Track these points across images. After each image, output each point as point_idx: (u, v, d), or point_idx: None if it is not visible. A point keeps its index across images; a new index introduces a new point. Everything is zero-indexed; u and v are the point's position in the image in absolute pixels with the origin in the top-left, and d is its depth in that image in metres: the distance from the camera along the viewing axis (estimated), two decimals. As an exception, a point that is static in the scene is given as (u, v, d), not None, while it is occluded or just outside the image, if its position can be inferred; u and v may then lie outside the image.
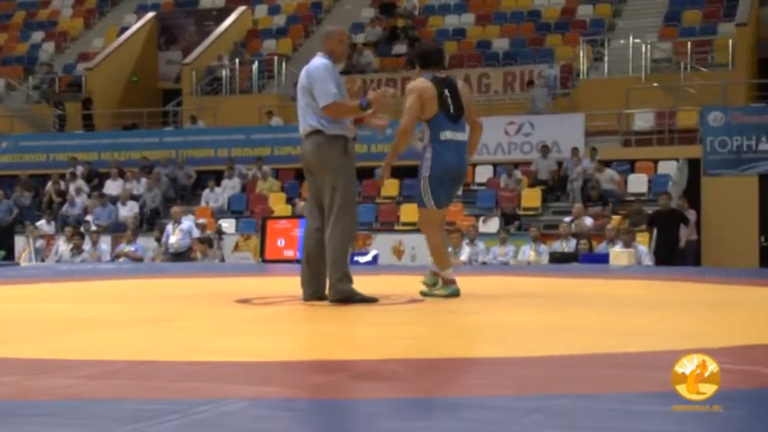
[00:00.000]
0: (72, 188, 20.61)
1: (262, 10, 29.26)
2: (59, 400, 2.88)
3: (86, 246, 16.08)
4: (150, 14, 29.42)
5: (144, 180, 20.55)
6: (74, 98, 26.71)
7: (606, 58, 22.31)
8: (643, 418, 2.62)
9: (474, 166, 19.73)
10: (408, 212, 18.41)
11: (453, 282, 6.40)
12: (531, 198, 18.28)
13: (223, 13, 28.54)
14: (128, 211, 19.18)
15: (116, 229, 18.24)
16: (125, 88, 27.59)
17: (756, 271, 13.15)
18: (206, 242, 15.62)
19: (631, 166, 18.71)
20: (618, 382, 3.18)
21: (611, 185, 17.61)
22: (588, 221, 15.59)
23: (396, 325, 5.11)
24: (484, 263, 13.98)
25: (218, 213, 19.26)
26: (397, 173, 19.92)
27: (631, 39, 21.63)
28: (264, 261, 14.30)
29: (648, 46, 21.45)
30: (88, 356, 3.81)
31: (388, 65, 24.59)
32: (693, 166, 18.19)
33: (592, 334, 4.57)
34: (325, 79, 5.89)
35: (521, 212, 17.73)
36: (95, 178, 21.58)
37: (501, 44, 24.30)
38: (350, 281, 5.93)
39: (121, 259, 15.76)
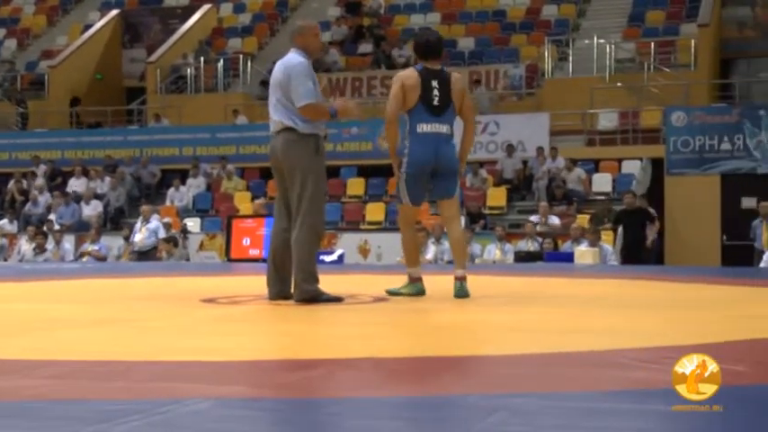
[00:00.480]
0: (34, 187, 20.42)
1: (227, 8, 29.14)
2: (22, 400, 2.86)
3: (49, 245, 15.95)
4: (114, 12, 29.21)
5: (108, 179, 20.40)
6: (36, 96, 26.47)
7: (571, 58, 22.45)
8: (608, 416, 2.63)
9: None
10: (374, 212, 18.43)
11: (419, 280, 6.36)
12: (497, 197, 18.35)
13: (188, 12, 28.39)
14: (91, 210, 19.03)
15: (79, 229, 18.09)
16: (89, 86, 27.37)
17: (719, 269, 13.29)
18: (171, 241, 15.54)
19: (595, 166, 18.83)
20: (582, 381, 3.19)
21: (577, 185, 17.72)
22: (556, 221, 15.68)
23: (361, 324, 5.11)
24: (449, 262, 14.00)
25: (183, 212, 19.16)
26: (364, 172, 20.01)
27: (595, 39, 21.78)
28: (230, 260, 14.24)
29: (612, 46, 21.61)
30: (51, 357, 3.78)
31: (354, 64, 24.58)
32: (657, 165, 18.35)
33: (555, 332, 4.60)
34: (304, 78, 5.85)
35: (486, 211, 17.79)
36: (58, 177, 21.40)
37: (466, 44, 24.37)
38: (316, 281, 5.91)
39: (85, 259, 15.65)
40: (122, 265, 13.97)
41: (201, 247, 17.18)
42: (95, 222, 17.76)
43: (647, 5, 23.91)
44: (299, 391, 3.06)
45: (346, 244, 16.36)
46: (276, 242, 6.09)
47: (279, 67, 5.99)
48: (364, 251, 16.62)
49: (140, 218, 16.20)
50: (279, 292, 6.04)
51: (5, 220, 18.76)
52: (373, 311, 5.75)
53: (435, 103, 6.21)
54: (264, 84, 23.79)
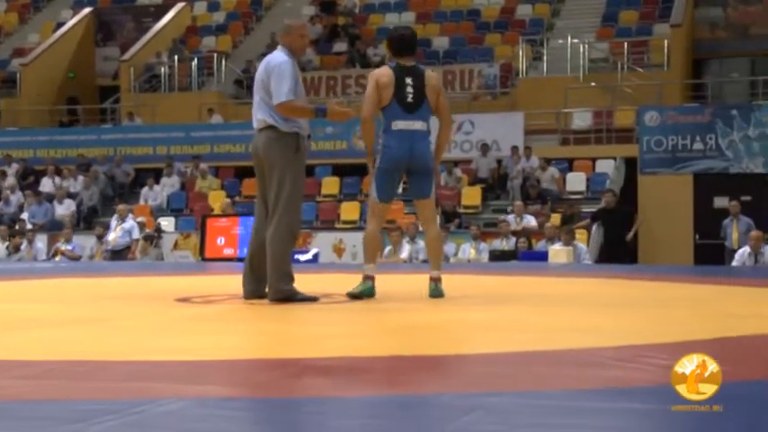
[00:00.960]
0: (6, 186, 20.26)
1: (201, 6, 29.04)
2: (-5, 401, 2.83)
3: (22, 245, 15.83)
4: (87, 10, 29.02)
5: (81, 178, 20.27)
6: (8, 94, 26.27)
7: (545, 58, 22.52)
8: (584, 414, 2.64)
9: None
10: (349, 211, 18.43)
11: (371, 278, 6.21)
12: (472, 196, 18.39)
13: (161, 10, 28.26)
14: (64, 209, 18.91)
15: (52, 228, 17.97)
16: (61, 84, 27.19)
17: (691, 268, 13.38)
18: (150, 240, 15.50)
19: (569, 165, 18.90)
20: (558, 380, 3.20)
21: (551, 184, 17.78)
22: (532, 220, 15.72)
23: (336, 323, 5.11)
24: (425, 261, 14.01)
25: (158, 212, 19.08)
26: (339, 171, 19.99)
27: (569, 39, 21.87)
28: (204, 260, 14.19)
29: (586, 46, 21.70)
30: (25, 357, 3.75)
31: (329, 63, 24.56)
32: (630, 164, 18.44)
33: (531, 331, 4.61)
34: (283, 76, 5.83)
35: (461, 210, 17.82)
36: (31, 176, 21.24)
37: (441, 43, 24.41)
38: (291, 280, 5.90)
39: (58, 258, 15.54)
40: (96, 265, 13.89)
41: (176, 246, 17.12)
42: (68, 222, 17.65)
43: (620, 6, 24.03)
44: (274, 391, 3.06)
45: (321, 243, 16.35)
46: (254, 241, 6.09)
47: (262, 66, 6.00)
48: (339, 250, 16.62)
49: (115, 216, 16.11)
50: (254, 291, 6.03)
51: (-23, 220, 18.61)
52: (348, 311, 5.75)
53: (409, 100, 6.18)
54: (239, 82, 23.76)
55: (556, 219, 15.78)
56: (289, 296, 5.84)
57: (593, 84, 20.81)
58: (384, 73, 6.21)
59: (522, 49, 22.30)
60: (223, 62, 24.80)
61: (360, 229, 17.63)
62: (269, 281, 5.91)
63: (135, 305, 6.04)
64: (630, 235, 14.06)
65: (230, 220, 14.53)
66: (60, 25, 28.69)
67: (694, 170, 17.67)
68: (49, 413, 2.67)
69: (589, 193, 18.05)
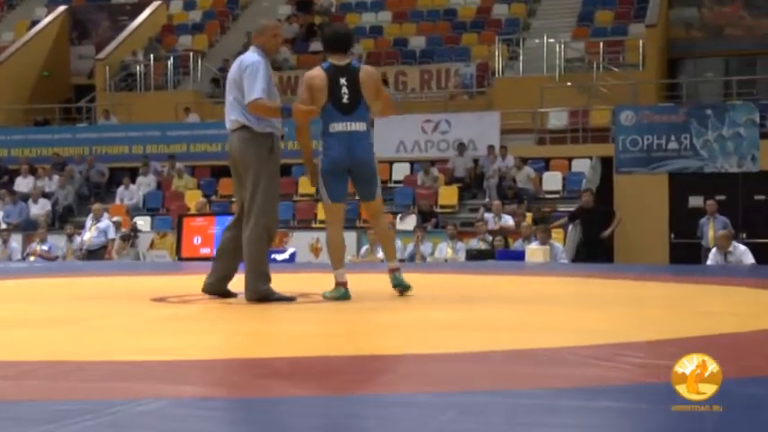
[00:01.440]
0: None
1: (177, 5, 28.93)
2: (-30, 402, 2.82)
3: (-3, 244, 15.73)
4: (62, 8, 28.83)
5: (56, 177, 20.15)
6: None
7: (521, 58, 22.59)
8: (560, 413, 2.65)
9: (391, 163, 19.83)
10: (326, 210, 18.39)
11: (344, 284, 6.10)
12: (448, 196, 18.42)
13: (137, 8, 28.13)
14: (39, 208, 18.79)
15: (27, 228, 17.86)
16: (36, 83, 27.01)
17: (667, 267, 13.45)
18: (127, 239, 15.44)
19: (546, 165, 18.96)
20: (535, 378, 3.22)
21: (527, 184, 17.83)
22: (509, 220, 15.76)
23: (313, 323, 5.11)
24: (402, 260, 14.03)
25: (134, 211, 18.98)
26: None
27: (545, 38, 21.93)
28: (181, 259, 14.14)
29: (562, 46, 21.78)
30: (1, 357, 3.73)
31: (306, 62, 24.48)
32: (606, 164, 18.53)
33: (507, 330, 4.63)
34: (254, 76, 5.82)
35: (438, 210, 17.85)
36: (5, 175, 21.09)
37: (417, 42, 24.43)
38: (268, 280, 5.90)
39: (33, 258, 15.44)
40: (72, 265, 13.81)
41: (152, 245, 17.04)
42: (43, 222, 17.54)
43: (595, 5, 24.13)
44: (251, 391, 3.06)
45: (298, 242, 16.33)
46: (225, 238, 6.10)
47: (235, 66, 5.99)
48: (316, 250, 16.59)
49: (90, 216, 16.03)
50: (211, 284, 6.05)
51: (-50, 219, 18.45)
52: (325, 310, 5.75)
53: (345, 101, 6.06)
54: (215, 81, 23.68)
55: (530, 218, 15.82)
56: (265, 296, 5.84)
57: (568, 83, 20.89)
58: (316, 75, 6.12)
59: (499, 49, 22.35)
60: (199, 61, 24.71)
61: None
62: (245, 281, 5.90)
63: (111, 305, 6.02)
64: (606, 234, 14.12)
65: (207, 219, 14.50)
66: (35, 23, 28.50)
67: (669, 170, 17.77)
68: (26, 413, 2.66)
69: (565, 193, 18.12)
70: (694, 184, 17.56)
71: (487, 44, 23.22)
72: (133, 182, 19.99)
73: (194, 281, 6.22)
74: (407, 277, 6.34)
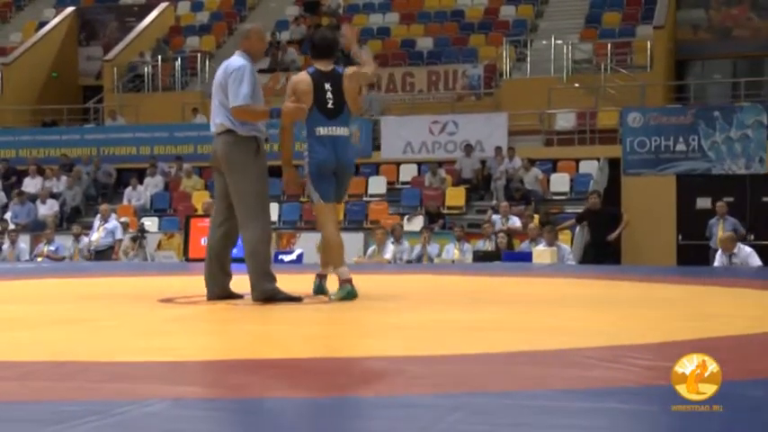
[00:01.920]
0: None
1: (184, 6, 28.97)
2: (-24, 402, 2.82)
3: (5, 245, 15.75)
4: (70, 9, 28.91)
5: (64, 178, 20.19)
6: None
7: (528, 59, 22.56)
8: (567, 414, 2.65)
9: (398, 164, 19.84)
10: (333, 211, 18.39)
11: (349, 281, 6.12)
12: (455, 197, 18.41)
13: (145, 10, 28.18)
14: (47, 209, 18.83)
15: (35, 228, 17.90)
16: (44, 84, 27.07)
17: (674, 269, 13.42)
18: (136, 240, 15.48)
19: (553, 166, 18.95)
20: (539, 380, 3.21)
21: (534, 185, 17.81)
22: (517, 221, 15.75)
23: (319, 324, 5.11)
24: (409, 261, 14.04)
25: (141, 212, 19.02)
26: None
27: (553, 40, 21.91)
28: (188, 260, 14.15)
29: (570, 47, 21.75)
30: (7, 358, 3.74)
31: (311, 63, 24.51)
32: (614, 165, 18.50)
33: (513, 332, 4.62)
34: (240, 80, 5.84)
35: (445, 211, 17.84)
36: (13, 176, 21.14)
37: (425, 43, 24.42)
38: (273, 280, 5.91)
39: (40, 259, 15.47)
40: (79, 265, 13.83)
41: (159, 246, 17.07)
42: (51, 222, 17.56)
43: (603, 7, 24.10)
44: (255, 392, 3.05)
45: (305, 243, 16.33)
46: (214, 239, 6.10)
47: (221, 70, 6.02)
48: (323, 251, 16.57)
49: (98, 216, 16.05)
50: (221, 291, 6.05)
51: (-41, 220, 18.48)
52: (332, 311, 5.75)
53: (330, 105, 6.16)
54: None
55: (537, 220, 15.80)
56: (272, 296, 5.85)
57: (576, 85, 20.86)
58: (302, 79, 6.21)
59: (506, 50, 22.33)
60: (207, 62, 24.73)
61: (344, 229, 17.63)
62: (251, 282, 5.91)
63: (118, 306, 6.02)
64: (613, 236, 14.10)
65: (214, 220, 14.48)
66: (43, 24, 28.57)
67: (677, 171, 17.73)
68: (32, 414, 2.67)
69: (573, 194, 18.10)
70: (702, 185, 17.52)
71: (495, 45, 23.20)
72: (141, 183, 20.02)
73: (202, 281, 6.23)
74: (412, 278, 6.34)
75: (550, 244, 13.01)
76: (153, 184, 20.09)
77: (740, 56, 23.43)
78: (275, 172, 6.67)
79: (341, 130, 6.19)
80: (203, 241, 13.97)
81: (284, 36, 25.50)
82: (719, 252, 12.11)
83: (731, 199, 16.35)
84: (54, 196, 19.53)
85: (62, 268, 12.00)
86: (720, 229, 14.25)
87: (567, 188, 18.31)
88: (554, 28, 23.30)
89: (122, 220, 16.74)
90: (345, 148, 6.23)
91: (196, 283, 6.46)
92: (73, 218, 19.10)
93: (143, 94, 24.58)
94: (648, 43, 21.52)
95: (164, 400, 2.78)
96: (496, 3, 25.49)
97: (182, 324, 5.13)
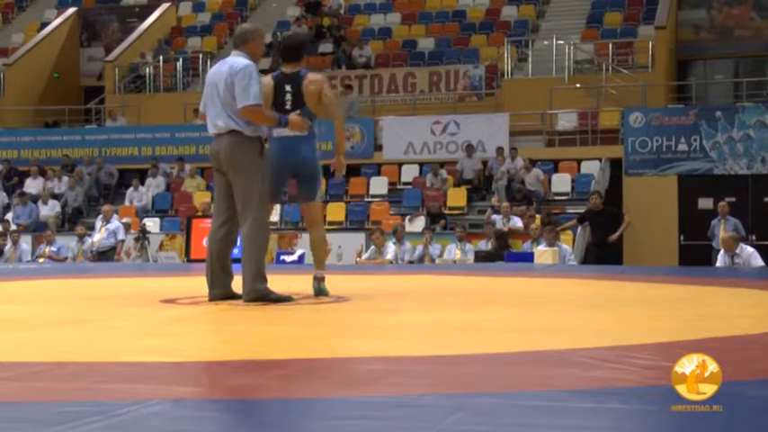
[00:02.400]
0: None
1: (186, 7, 28.99)
2: (-21, 403, 2.82)
3: (7, 246, 15.75)
4: (71, 10, 28.93)
5: (66, 179, 20.21)
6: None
7: (530, 59, 22.57)
8: (567, 415, 2.65)
9: (399, 165, 19.86)
10: (334, 212, 18.43)
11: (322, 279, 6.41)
12: (457, 197, 18.42)
13: (146, 10, 28.20)
14: (49, 210, 18.84)
15: (36, 229, 17.91)
16: (46, 85, 27.10)
17: (676, 269, 13.42)
18: (140, 241, 15.50)
19: (555, 166, 18.95)
20: (540, 380, 3.22)
21: (535, 185, 17.81)
22: (518, 221, 15.75)
23: (320, 324, 5.12)
24: (411, 262, 14.04)
25: (143, 212, 19.03)
26: (324, 172, 19.98)
27: (554, 40, 21.92)
28: (190, 261, 14.16)
29: (571, 47, 21.75)
30: (9, 358, 3.74)
31: (314, 64, 24.53)
32: (615, 165, 18.50)
33: (515, 332, 4.62)
34: (249, 79, 5.85)
35: (446, 211, 17.85)
36: (15, 176, 21.16)
37: (426, 44, 24.43)
38: (265, 280, 5.93)
39: (42, 260, 15.48)
40: (81, 266, 13.84)
41: (161, 247, 17.08)
42: (53, 223, 17.58)
43: (604, 7, 24.10)
44: (257, 392, 3.06)
45: (306, 244, 16.27)
46: (215, 240, 6.10)
47: (226, 70, 5.94)
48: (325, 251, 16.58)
49: (100, 217, 16.06)
50: (224, 292, 6.06)
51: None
52: (333, 311, 5.75)
53: (287, 107, 6.24)
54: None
55: (539, 220, 15.81)
56: (263, 296, 5.88)
57: (578, 85, 20.87)
58: (266, 82, 6.28)
59: (508, 51, 22.33)
60: (208, 63, 24.70)
61: (346, 230, 17.66)
62: (244, 281, 5.92)
63: (120, 306, 6.02)
64: (614, 237, 14.11)
65: (215, 220, 14.48)
66: (45, 25, 28.59)
67: (679, 171, 17.73)
68: (34, 415, 2.67)
69: (574, 195, 18.11)
70: (704, 185, 17.52)
71: (496, 46, 23.21)
72: (142, 183, 20.04)
73: (203, 282, 6.23)
74: (414, 279, 6.34)
75: (551, 244, 13.02)
76: (154, 185, 20.11)
77: (742, 56, 23.43)
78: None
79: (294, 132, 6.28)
80: (205, 242, 14.09)
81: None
82: (722, 252, 12.10)
83: (733, 199, 16.34)
84: (56, 197, 19.55)
85: (64, 269, 12.01)
86: (722, 230, 14.25)
87: (568, 188, 18.32)
88: (555, 28, 23.31)
89: (124, 220, 16.75)
90: (304, 147, 6.30)
91: (198, 283, 6.47)
92: (75, 219, 19.12)
93: (144, 95, 24.61)
94: (650, 43, 21.52)
95: (165, 401, 2.78)
96: (498, 3, 25.50)
97: (183, 325, 5.13)
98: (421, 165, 19.74)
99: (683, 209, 17.67)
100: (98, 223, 15.94)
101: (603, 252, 13.99)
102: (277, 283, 6.16)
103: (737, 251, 11.74)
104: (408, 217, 17.38)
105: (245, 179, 5.93)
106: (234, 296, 6.10)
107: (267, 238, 6.15)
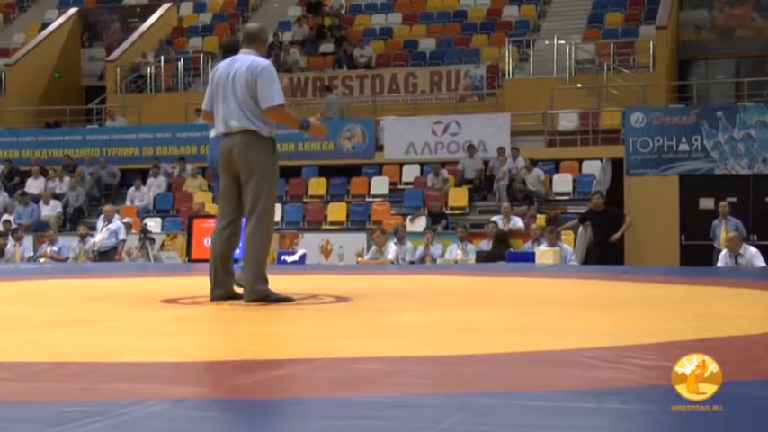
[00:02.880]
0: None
1: (187, 7, 29.00)
2: (-20, 403, 2.83)
3: (9, 245, 15.77)
4: (73, 10, 28.96)
5: (67, 179, 20.22)
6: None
7: (531, 59, 22.57)
8: (568, 415, 2.65)
9: (401, 165, 19.87)
10: (335, 212, 18.44)
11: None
12: (458, 197, 18.42)
13: (147, 10, 28.22)
14: (50, 210, 18.85)
15: (38, 229, 17.93)
16: (47, 85, 27.11)
17: (677, 269, 13.42)
18: (143, 242, 15.52)
19: (556, 166, 18.95)
20: (541, 380, 3.21)
21: (537, 185, 17.81)
22: (519, 222, 15.75)
23: (321, 324, 5.11)
24: (412, 262, 14.04)
25: (144, 212, 19.04)
26: (325, 172, 20.01)
27: (556, 40, 21.92)
28: (191, 260, 14.16)
29: (572, 47, 21.75)
30: (10, 358, 3.74)
31: (315, 64, 24.56)
32: (616, 165, 18.50)
33: (516, 332, 4.62)
34: (272, 79, 5.84)
35: (448, 212, 17.85)
36: (16, 176, 21.18)
37: (428, 44, 24.43)
38: (266, 281, 5.91)
39: (43, 260, 15.48)
40: (82, 266, 13.84)
41: (163, 247, 17.09)
42: (54, 223, 17.59)
43: (606, 7, 24.11)
44: (258, 392, 3.06)
45: (308, 244, 16.35)
46: (219, 241, 6.09)
47: (239, 67, 5.88)
48: (326, 251, 16.61)
49: (102, 217, 16.07)
50: (226, 292, 6.05)
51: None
52: (334, 312, 5.74)
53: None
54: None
55: (542, 220, 15.82)
56: (264, 296, 5.86)
57: (579, 85, 20.87)
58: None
59: (509, 51, 22.34)
60: (210, 63, 24.73)
61: (347, 230, 17.67)
62: (245, 281, 5.90)
63: (121, 306, 6.02)
64: (615, 237, 14.11)
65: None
66: (46, 25, 28.61)
67: (680, 171, 17.74)
68: (35, 415, 2.67)
69: (575, 195, 18.11)
70: (705, 185, 17.52)
71: (497, 46, 23.22)
72: (144, 183, 20.04)
73: (205, 282, 6.23)
74: (415, 279, 6.34)
75: (552, 244, 13.02)
76: (156, 185, 20.12)
77: (743, 56, 23.43)
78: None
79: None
80: (206, 242, 14.10)
81: (286, 37, 25.51)
82: (724, 252, 12.11)
83: (734, 199, 16.35)
84: (57, 197, 19.56)
85: (65, 269, 12.01)
86: (723, 230, 14.25)
87: (569, 188, 18.33)
88: (557, 28, 23.31)
89: (126, 220, 16.76)
90: (214, 148, 6.47)
91: (199, 283, 6.47)
92: (76, 219, 19.14)
93: (146, 95, 24.62)
94: (651, 43, 21.53)
95: (166, 401, 2.78)
96: (499, 3, 25.50)
97: (184, 325, 5.13)
98: (422, 165, 19.75)
99: (685, 209, 17.67)
100: (99, 223, 15.95)
101: (605, 252, 14.00)
102: (277, 283, 6.16)
103: (741, 251, 11.74)
104: (409, 217, 17.38)
105: (258, 179, 5.88)
106: (235, 296, 6.09)
107: (270, 239, 6.13)
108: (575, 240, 15.04)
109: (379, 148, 20.18)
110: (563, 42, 21.84)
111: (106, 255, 15.41)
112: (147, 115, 23.11)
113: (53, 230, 16.49)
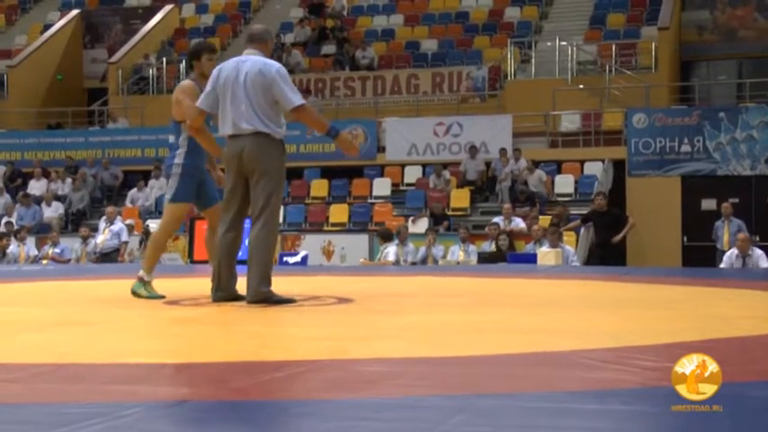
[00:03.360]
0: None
1: (189, 9, 29.00)
2: (-18, 404, 2.83)
3: (11, 246, 15.78)
4: (75, 12, 28.96)
5: (69, 180, 20.23)
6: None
7: (533, 60, 22.57)
8: (570, 416, 2.65)
9: (403, 166, 19.87)
10: (337, 213, 18.44)
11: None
12: (460, 198, 18.41)
13: (149, 12, 28.23)
14: (52, 211, 18.86)
15: (40, 230, 17.94)
16: (49, 87, 27.13)
17: (679, 270, 13.41)
18: (144, 243, 15.52)
19: (558, 167, 18.94)
20: (544, 381, 3.21)
21: (539, 187, 17.81)
22: (520, 223, 15.75)
23: (322, 326, 5.11)
24: (413, 263, 14.04)
25: (146, 214, 19.04)
26: (327, 174, 20.01)
27: (558, 41, 21.91)
28: (193, 262, 14.16)
29: (574, 48, 21.74)
30: (11, 360, 3.74)
31: (317, 65, 24.56)
32: (618, 166, 18.49)
33: (518, 333, 4.62)
34: (288, 81, 5.89)
35: (450, 213, 17.85)
36: (18, 178, 21.19)
37: (429, 45, 24.43)
38: (269, 283, 5.90)
39: (45, 262, 15.50)
40: (84, 268, 13.85)
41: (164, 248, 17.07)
42: (56, 225, 17.60)
43: (608, 8, 24.09)
44: (260, 393, 3.06)
45: (310, 245, 16.35)
46: (225, 243, 6.08)
47: (248, 69, 5.87)
48: (328, 252, 16.62)
49: (104, 219, 16.08)
50: (227, 293, 6.05)
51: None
52: (335, 313, 5.74)
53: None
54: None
55: (544, 221, 15.81)
56: (266, 297, 5.85)
57: (581, 86, 20.86)
58: (193, 86, 6.56)
59: (511, 52, 22.34)
60: (211, 64, 24.73)
61: (349, 231, 17.67)
62: (249, 282, 5.89)
63: (123, 308, 6.02)
64: (618, 238, 14.11)
65: (219, 222, 14.50)
66: (48, 27, 28.61)
67: (682, 172, 17.73)
68: (36, 417, 2.67)
69: (577, 196, 18.10)
70: (707, 186, 17.51)
71: (500, 47, 23.21)
72: (146, 185, 20.04)
73: (206, 283, 6.23)
74: (417, 280, 6.33)
75: (554, 245, 13.01)
76: (158, 187, 20.10)
77: (745, 56, 23.41)
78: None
79: (171, 138, 6.84)
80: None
81: (288, 38, 25.51)
82: (729, 253, 12.12)
83: (736, 200, 16.34)
84: (59, 199, 19.57)
85: (67, 270, 12.01)
86: (726, 231, 14.24)
87: (571, 189, 18.32)
88: (558, 29, 23.30)
89: (128, 222, 16.76)
90: (171, 153, 6.76)
91: (201, 284, 6.47)
92: (78, 220, 19.14)
93: (148, 97, 24.62)
94: (653, 44, 21.52)
95: (168, 402, 2.78)
96: (501, 4, 25.49)
97: (186, 326, 5.13)
98: (424, 166, 19.74)
99: (687, 210, 17.66)
100: (102, 225, 15.96)
101: (607, 253, 13.99)
102: (280, 284, 6.16)
103: (749, 253, 11.77)
104: (411, 218, 17.38)
105: (268, 181, 5.87)
106: (238, 298, 6.09)
107: (276, 241, 6.14)
108: (577, 241, 15.04)
109: (381, 149, 20.18)
110: (565, 43, 21.83)
111: (108, 256, 15.42)
112: (149, 117, 23.11)
113: (55, 232, 16.50)
